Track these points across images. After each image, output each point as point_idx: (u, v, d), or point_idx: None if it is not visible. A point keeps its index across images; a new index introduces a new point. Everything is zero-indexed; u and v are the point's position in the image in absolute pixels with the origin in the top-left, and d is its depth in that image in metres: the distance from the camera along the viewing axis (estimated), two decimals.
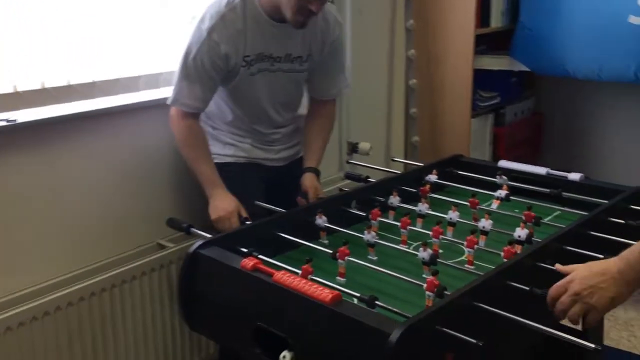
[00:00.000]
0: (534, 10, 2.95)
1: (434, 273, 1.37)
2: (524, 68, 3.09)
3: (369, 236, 1.65)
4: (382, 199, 1.95)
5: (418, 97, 3.13)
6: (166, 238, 2.14)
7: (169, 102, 1.96)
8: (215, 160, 2.03)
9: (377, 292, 1.41)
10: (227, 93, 2.03)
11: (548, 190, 2.01)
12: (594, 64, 2.77)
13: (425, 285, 1.37)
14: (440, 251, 1.66)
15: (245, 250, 1.58)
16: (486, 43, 3.19)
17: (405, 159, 3.29)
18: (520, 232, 1.64)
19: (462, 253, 1.72)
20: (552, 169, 2.13)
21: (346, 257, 1.53)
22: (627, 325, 2.81)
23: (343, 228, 1.82)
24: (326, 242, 1.78)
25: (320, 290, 1.29)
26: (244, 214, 1.91)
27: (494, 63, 3.16)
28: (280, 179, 2.13)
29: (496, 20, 3.13)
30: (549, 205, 1.96)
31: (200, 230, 1.78)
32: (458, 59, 3.00)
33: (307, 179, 2.11)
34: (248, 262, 1.44)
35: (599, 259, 1.51)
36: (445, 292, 1.34)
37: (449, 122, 3.11)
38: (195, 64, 1.90)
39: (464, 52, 2.98)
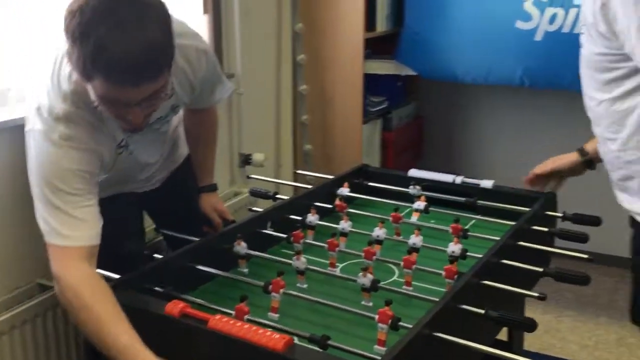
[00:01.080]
0: (419, 14, 2.95)
1: (388, 303, 1.25)
2: (411, 72, 3.08)
3: (298, 263, 1.50)
4: (299, 217, 1.80)
5: (309, 103, 3.02)
6: (48, 276, 1.83)
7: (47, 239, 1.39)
8: None
9: (319, 328, 1.27)
10: None
11: (463, 199, 1.97)
12: (481, 68, 2.81)
13: (376, 316, 1.25)
14: None
15: (160, 289, 1.38)
16: (370, 47, 3.15)
17: (295, 168, 3.18)
18: (454, 248, 1.56)
19: (393, 273, 1.62)
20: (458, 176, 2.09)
21: (281, 290, 1.37)
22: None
23: (261, 252, 1.66)
24: (246, 270, 1.61)
25: (269, 335, 1.13)
26: None
27: (382, 67, 3.13)
28: (154, 202, 1.84)
29: (381, 24, 3.10)
30: (464, 215, 1.92)
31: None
32: (348, 63, 2.93)
33: (205, 202, 1.89)
34: (173, 307, 1.24)
35: (536, 272, 1.49)
36: (400, 324, 1.23)
37: (341, 128, 3.03)
38: (62, 187, 1.37)
39: (354, 56, 2.92)
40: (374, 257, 1.56)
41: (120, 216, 1.64)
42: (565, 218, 1.82)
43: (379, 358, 1.10)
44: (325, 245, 1.62)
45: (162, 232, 1.77)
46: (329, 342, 1.18)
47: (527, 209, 1.83)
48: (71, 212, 1.37)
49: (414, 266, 1.50)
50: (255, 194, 2.07)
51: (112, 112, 1.36)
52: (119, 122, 1.40)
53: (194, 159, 1.92)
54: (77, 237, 1.36)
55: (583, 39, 1.56)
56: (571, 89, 2.80)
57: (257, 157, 2.68)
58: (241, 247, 1.59)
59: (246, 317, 1.26)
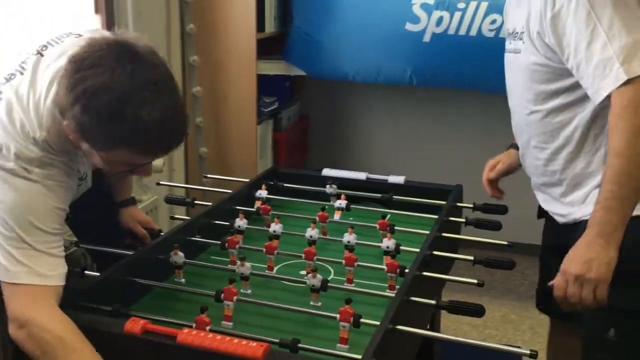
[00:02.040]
0: (308, 15, 3.00)
1: (348, 301, 1.28)
2: (301, 72, 3.13)
3: (242, 269, 1.48)
4: (226, 223, 1.78)
5: (202, 105, 2.97)
6: None
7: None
8: None
9: (275, 332, 1.27)
10: None
11: (379, 195, 2.04)
12: (372, 68, 2.91)
13: (338, 315, 1.27)
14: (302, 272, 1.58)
15: (107, 308, 1.31)
16: (259, 48, 3.14)
17: (187, 171, 3.12)
18: (388, 243, 1.63)
19: (329, 272, 1.65)
20: (370, 174, 2.16)
21: (235, 298, 1.36)
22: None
23: (194, 260, 1.63)
24: (183, 280, 1.57)
25: (245, 344, 1.11)
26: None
27: (272, 68, 3.15)
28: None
29: (269, 25, 3.11)
30: (380, 210, 1.99)
31: None
32: (241, 64, 2.91)
33: (127, 215, 1.82)
34: (134, 325, 1.18)
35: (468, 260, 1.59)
36: (362, 321, 1.27)
37: (236, 130, 3.01)
38: (40, 225, 1.27)
39: (247, 57, 2.91)
40: (315, 257, 1.58)
41: None
42: (475, 208, 1.95)
43: (358, 357, 1.13)
44: (262, 249, 1.62)
45: (85, 247, 1.67)
46: (299, 345, 1.19)
47: (441, 202, 1.94)
48: (50, 252, 1.27)
49: (355, 263, 1.54)
50: (171, 201, 2.01)
51: (118, 170, 1.33)
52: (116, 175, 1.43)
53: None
54: (57, 276, 1.27)
55: (519, 46, 1.54)
56: (455, 86, 3.02)
57: (156, 162, 2.57)
58: (178, 256, 1.54)
59: (208, 327, 1.23)
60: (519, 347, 1.26)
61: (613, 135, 1.33)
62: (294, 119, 3.55)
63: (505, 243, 1.68)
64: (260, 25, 3.02)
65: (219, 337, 1.14)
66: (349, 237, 1.66)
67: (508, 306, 3.19)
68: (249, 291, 1.50)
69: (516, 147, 1.79)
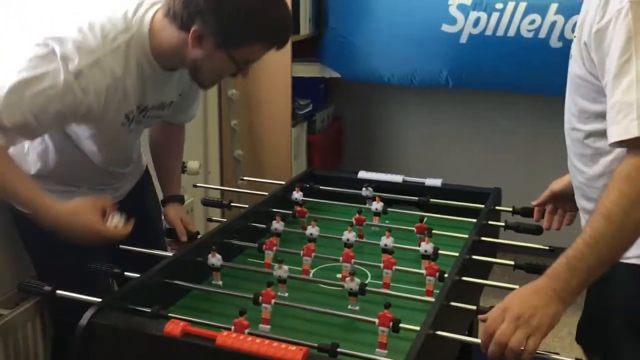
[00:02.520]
0: (344, 17, 2.99)
1: (387, 306, 1.27)
2: (336, 74, 3.12)
3: (280, 272, 1.48)
4: (263, 225, 1.78)
5: (237, 108, 2.98)
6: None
7: None
8: None
9: (314, 336, 1.26)
10: (73, 140, 1.59)
11: (417, 198, 2.02)
12: (407, 70, 2.89)
13: (377, 320, 1.26)
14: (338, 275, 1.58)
15: (147, 309, 1.32)
16: (294, 50, 3.15)
17: (222, 174, 3.14)
18: (426, 247, 1.61)
19: (366, 275, 1.64)
20: (406, 176, 2.14)
21: (273, 301, 1.35)
22: None
23: (231, 263, 1.63)
24: (220, 283, 1.57)
25: (284, 348, 1.11)
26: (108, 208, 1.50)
27: (307, 70, 3.15)
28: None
29: (304, 27, 3.11)
30: (417, 213, 1.97)
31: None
32: (276, 67, 2.91)
33: (172, 211, 1.87)
34: (174, 327, 1.18)
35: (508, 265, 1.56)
36: (401, 325, 1.25)
37: (271, 132, 3.02)
38: (35, 102, 1.38)
39: (282, 60, 2.90)
40: (352, 261, 1.57)
41: None
42: (515, 212, 1.92)
43: None
44: (299, 252, 1.61)
45: (122, 248, 1.68)
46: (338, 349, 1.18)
47: (479, 205, 1.91)
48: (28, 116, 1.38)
49: (394, 267, 1.53)
50: (208, 203, 2.02)
51: (227, 72, 1.55)
52: (214, 82, 1.62)
53: (161, 171, 1.91)
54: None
55: (572, 52, 1.38)
56: (493, 88, 2.98)
57: (192, 165, 2.60)
58: (216, 258, 1.54)
59: (247, 330, 1.23)
60: (557, 353, 1.21)
61: (610, 194, 1.15)
62: (327, 122, 3.54)
63: (547, 248, 1.65)
64: (295, 27, 3.02)
65: (258, 340, 1.14)
66: (386, 241, 1.65)
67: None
68: (286, 294, 1.49)
69: None
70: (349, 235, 1.69)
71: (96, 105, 1.45)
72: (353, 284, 1.41)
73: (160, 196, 1.96)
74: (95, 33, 1.45)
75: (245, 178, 2.37)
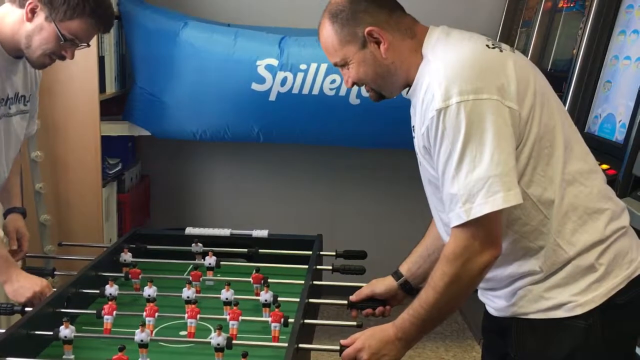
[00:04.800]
0: (152, 76, 3.00)
1: (245, 355, 1.32)
2: (145, 133, 3.10)
3: (142, 335, 1.44)
4: (95, 291, 1.73)
5: (42, 170, 2.82)
6: None
7: None
8: None
9: None
10: None
11: (246, 250, 2.09)
12: (220, 127, 2.97)
13: None
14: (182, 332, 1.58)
15: None
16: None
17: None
18: (266, 296, 1.68)
19: (209, 330, 1.65)
20: (234, 230, 2.21)
21: None
22: None
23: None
24: (72, 357, 1.47)
25: None
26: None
27: (115, 129, 3.09)
28: None
29: (110, 86, 3.07)
30: (247, 264, 2.04)
31: None
32: (84, 126, 2.83)
33: (11, 222, 2.00)
34: None
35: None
36: None
37: (80, 194, 2.89)
38: None
39: (90, 119, 2.84)
40: (198, 316, 1.58)
41: None
42: (338, 255, 2.07)
43: None
44: (140, 313, 1.58)
45: None
46: None
47: (306, 252, 2.04)
48: None
49: (240, 318, 1.57)
50: (30, 272, 1.89)
51: (54, 48, 1.70)
52: (42, 58, 1.72)
53: (3, 187, 2.00)
54: None
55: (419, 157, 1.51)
56: (300, 142, 3.18)
57: None
58: (69, 330, 1.45)
59: None
60: None
61: (437, 271, 1.38)
62: (135, 180, 3.49)
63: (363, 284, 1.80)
64: (101, 86, 2.97)
65: None
66: (227, 294, 1.69)
67: None
68: (148, 359, 1.45)
69: (396, 274, 1.75)
70: (189, 292, 1.70)
71: None
72: (220, 339, 1.42)
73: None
74: None
75: (64, 243, 2.25)
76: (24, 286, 1.72)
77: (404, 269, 1.75)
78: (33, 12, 1.67)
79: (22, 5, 1.69)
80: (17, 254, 2.00)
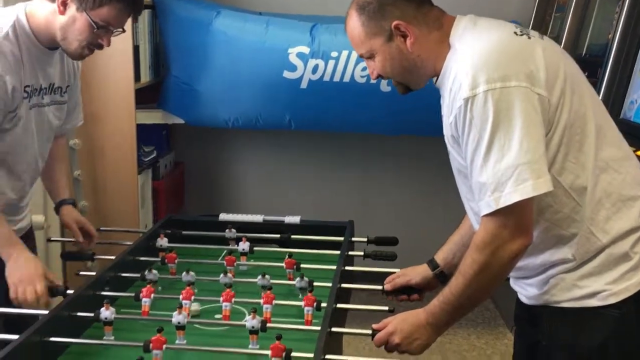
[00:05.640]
0: (186, 65, 3.04)
1: (278, 337, 1.34)
2: (179, 121, 3.16)
3: (179, 317, 1.48)
4: (137, 275, 1.78)
5: (80, 158, 2.89)
6: None
7: None
8: None
9: None
10: None
11: (278, 235, 2.12)
12: (252, 115, 3.01)
13: (269, 352, 1.33)
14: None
15: None
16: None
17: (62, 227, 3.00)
18: (302, 283, 1.71)
19: (243, 314, 1.69)
20: (266, 216, 2.24)
21: (164, 346, 1.37)
22: None
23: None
24: (112, 337, 1.51)
25: None
26: (56, 281, 1.69)
27: (150, 117, 3.15)
28: None
29: (145, 75, 3.12)
30: (280, 250, 2.08)
31: None
32: (120, 115, 2.88)
33: (66, 214, 2.02)
34: None
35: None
36: (293, 354, 1.33)
37: (116, 181, 2.95)
38: None
39: (125, 108, 2.89)
40: (233, 300, 1.62)
41: None
42: (369, 241, 2.09)
43: None
44: (177, 297, 1.63)
45: None
46: None
47: (337, 238, 2.06)
48: None
49: (274, 302, 1.60)
50: (69, 257, 1.97)
51: (90, 37, 1.71)
52: (81, 50, 1.73)
53: (51, 180, 2.08)
54: None
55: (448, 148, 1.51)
56: (329, 129, 3.20)
57: (37, 219, 2.47)
58: (110, 311, 1.51)
59: None
60: None
61: (466, 259, 1.38)
62: (170, 167, 3.55)
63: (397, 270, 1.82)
64: (136, 75, 3.02)
65: None
66: (263, 280, 1.72)
67: None
68: (184, 342, 1.49)
69: (431, 263, 1.76)
70: (227, 277, 1.74)
71: (15, 83, 1.69)
72: (254, 321, 1.45)
73: None
74: None
75: (102, 229, 2.31)
76: (20, 267, 1.68)
77: (440, 257, 1.75)
78: (64, 4, 1.69)
79: None
80: (91, 242, 2.03)
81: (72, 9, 1.70)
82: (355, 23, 1.47)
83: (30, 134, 1.83)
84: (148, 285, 1.66)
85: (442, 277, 1.74)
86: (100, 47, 1.77)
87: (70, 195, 2.10)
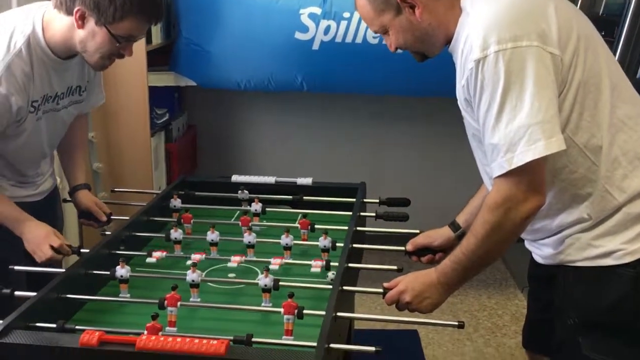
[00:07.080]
0: (197, 26, 3.02)
1: (290, 295, 1.37)
2: (191, 83, 3.15)
3: (193, 275, 1.51)
4: (152, 234, 1.82)
5: (94, 120, 2.91)
6: None
7: None
8: None
9: (227, 333, 1.33)
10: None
11: (290, 197, 2.14)
12: (263, 76, 2.99)
13: (282, 309, 1.35)
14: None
15: (53, 325, 1.30)
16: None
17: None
18: (325, 242, 1.73)
19: (256, 273, 1.72)
20: (278, 177, 2.25)
21: (179, 303, 1.39)
22: None
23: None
24: (128, 295, 1.55)
25: (206, 343, 1.17)
26: (56, 243, 1.71)
27: (162, 79, 3.14)
28: (39, 217, 1.80)
29: (156, 37, 3.10)
30: (292, 210, 2.10)
31: None
32: (132, 77, 2.88)
33: (84, 197, 2.03)
34: (89, 337, 1.19)
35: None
36: (305, 312, 1.36)
37: (130, 143, 2.97)
38: None
39: (138, 70, 2.88)
40: (244, 258, 1.64)
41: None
42: (381, 202, 2.10)
43: (313, 344, 1.21)
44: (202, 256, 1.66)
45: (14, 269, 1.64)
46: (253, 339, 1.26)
47: (349, 199, 2.07)
48: None
49: (283, 260, 1.63)
50: (83, 215, 2.00)
51: (110, 50, 1.67)
52: (102, 61, 1.70)
53: (67, 162, 2.09)
54: None
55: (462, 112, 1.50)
56: (342, 91, 3.18)
57: None
58: (125, 270, 1.54)
59: (161, 333, 1.26)
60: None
61: (479, 219, 1.39)
62: (182, 130, 3.56)
63: (417, 232, 1.83)
64: (147, 37, 3.00)
65: (178, 339, 1.18)
66: (286, 240, 1.75)
67: None
68: (199, 299, 1.52)
69: (453, 225, 1.77)
70: (250, 238, 1.75)
71: (20, 103, 1.66)
72: (267, 280, 1.48)
73: None
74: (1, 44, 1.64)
75: (116, 189, 2.34)
76: (28, 240, 1.73)
77: (461, 220, 1.76)
78: (82, 18, 1.63)
79: (69, 12, 1.64)
80: (109, 221, 2.04)
81: (90, 23, 1.63)
82: (363, 1, 1.48)
83: (37, 138, 1.81)
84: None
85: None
86: (122, 56, 1.73)
87: (84, 180, 2.09)
